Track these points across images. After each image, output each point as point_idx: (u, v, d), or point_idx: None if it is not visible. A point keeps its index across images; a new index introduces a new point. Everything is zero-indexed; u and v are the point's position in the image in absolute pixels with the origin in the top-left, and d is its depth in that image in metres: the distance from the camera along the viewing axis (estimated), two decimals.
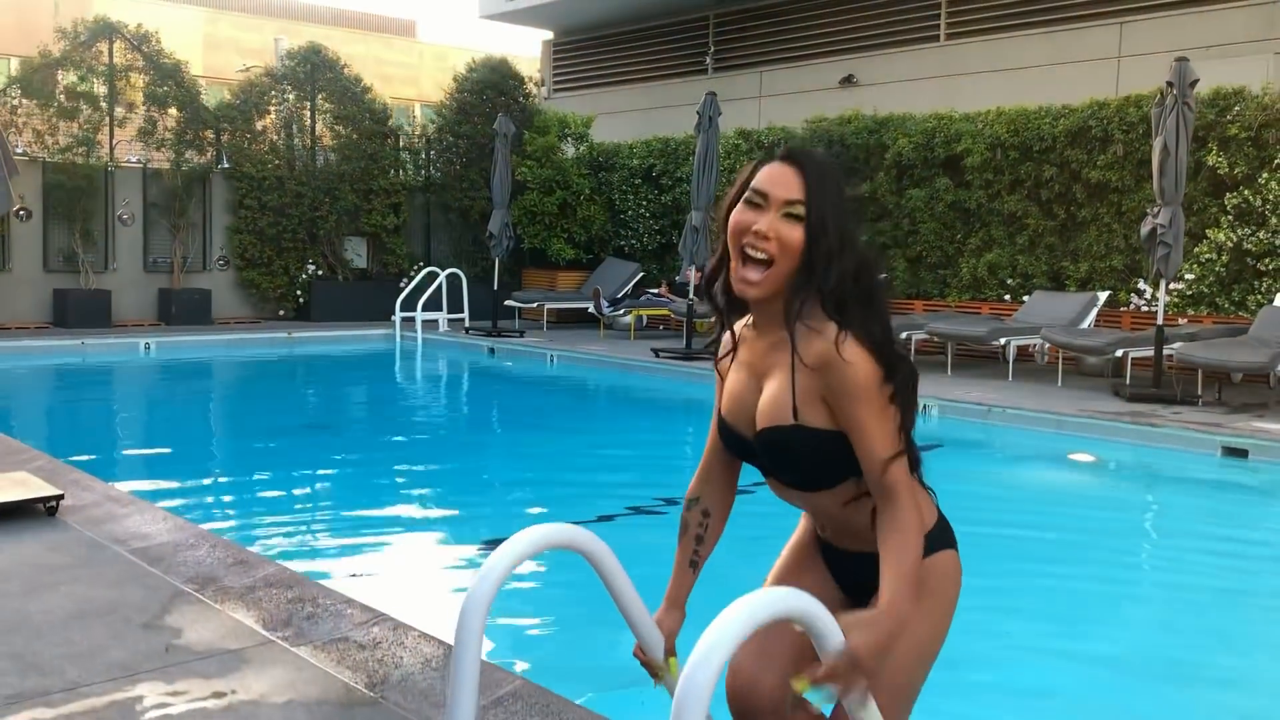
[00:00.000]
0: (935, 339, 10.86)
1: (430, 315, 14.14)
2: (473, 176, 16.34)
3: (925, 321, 11.20)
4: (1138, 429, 7.87)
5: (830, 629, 1.69)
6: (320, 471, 7.41)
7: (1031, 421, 8.42)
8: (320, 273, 15.19)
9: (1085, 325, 10.53)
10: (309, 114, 15.44)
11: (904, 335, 11.02)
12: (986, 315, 11.90)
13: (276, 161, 14.91)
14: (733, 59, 17.20)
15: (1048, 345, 10.21)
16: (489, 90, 16.60)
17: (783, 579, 2.19)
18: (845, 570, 2.15)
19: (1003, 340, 10.25)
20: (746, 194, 1.96)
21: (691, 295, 12.46)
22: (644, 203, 15.96)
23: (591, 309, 14.41)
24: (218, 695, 2.84)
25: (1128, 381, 9.47)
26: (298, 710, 2.76)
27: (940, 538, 2.07)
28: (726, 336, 2.11)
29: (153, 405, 10.61)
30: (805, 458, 1.97)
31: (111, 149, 13.95)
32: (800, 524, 2.28)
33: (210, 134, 14.56)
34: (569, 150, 16.71)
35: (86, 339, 12.15)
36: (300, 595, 3.62)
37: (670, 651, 2.13)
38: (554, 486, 7.05)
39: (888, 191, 13.07)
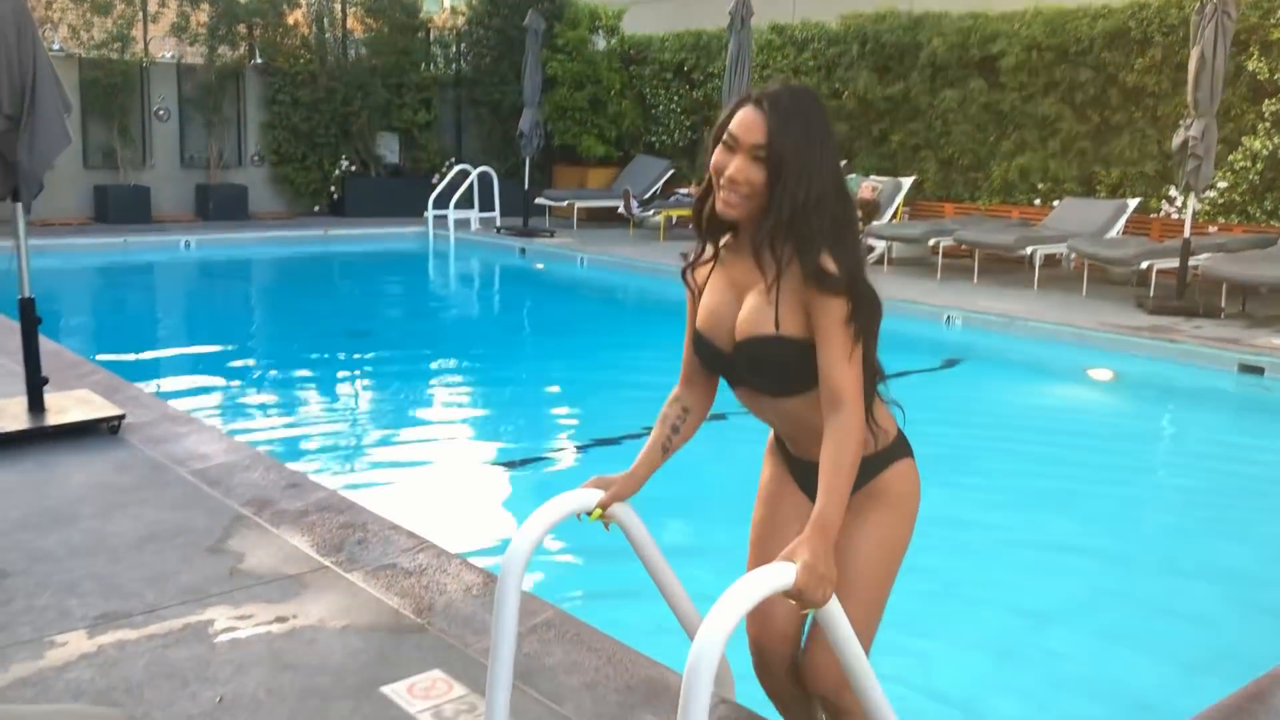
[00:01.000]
0: (962, 246, 10.93)
1: (462, 213, 14.29)
2: (503, 70, 16.26)
3: (953, 228, 11.26)
4: (1156, 344, 8.01)
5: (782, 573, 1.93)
6: (360, 383, 7.73)
7: (1052, 334, 8.56)
8: (353, 169, 15.32)
9: (1114, 233, 10.56)
10: (340, 7, 15.35)
11: (931, 241, 11.10)
12: (1016, 220, 11.92)
13: (308, 56, 14.91)
14: None
15: (1074, 254, 10.26)
16: None
17: (765, 511, 2.39)
18: (808, 480, 2.26)
19: (1029, 249, 10.31)
20: (724, 136, 2.12)
21: None
22: (675, 98, 15.87)
23: (621, 209, 14.50)
24: (280, 620, 3.16)
25: (1152, 294, 9.55)
26: (353, 636, 3.07)
27: (899, 449, 2.28)
28: (707, 253, 2.26)
29: (196, 309, 10.94)
30: (783, 366, 2.13)
31: (146, 45, 14.00)
32: (766, 458, 2.45)
33: (243, 28, 14.55)
34: (599, 43, 16.57)
35: (129, 236, 12.43)
36: (350, 521, 3.92)
37: (603, 505, 2.29)
38: (589, 397, 7.31)
39: (921, 92, 12.96)
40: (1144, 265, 9.45)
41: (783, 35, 14.46)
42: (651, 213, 14.37)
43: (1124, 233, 10.73)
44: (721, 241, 2.24)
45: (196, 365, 8.04)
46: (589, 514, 2.29)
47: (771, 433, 2.43)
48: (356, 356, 8.39)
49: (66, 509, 3.98)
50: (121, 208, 13.39)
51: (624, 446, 5.91)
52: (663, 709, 2.70)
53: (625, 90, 16.32)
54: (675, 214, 14.34)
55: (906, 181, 12.78)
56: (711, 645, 1.83)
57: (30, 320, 4.82)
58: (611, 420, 6.53)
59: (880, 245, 11.87)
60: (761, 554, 2.31)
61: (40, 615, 3.15)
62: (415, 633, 3.10)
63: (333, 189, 15.24)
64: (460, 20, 16.65)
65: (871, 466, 2.22)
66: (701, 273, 2.29)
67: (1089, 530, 4.94)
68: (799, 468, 2.35)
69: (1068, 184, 11.88)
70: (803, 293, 2.07)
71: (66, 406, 4.96)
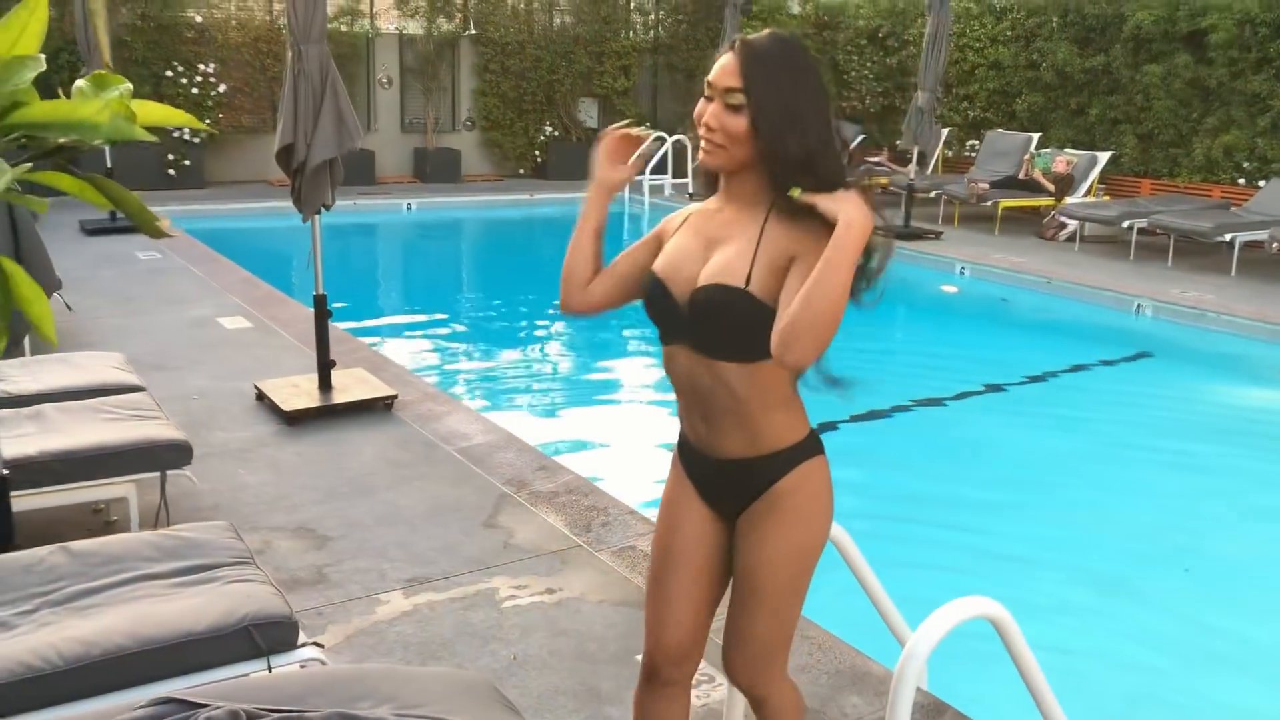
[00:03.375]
0: (1157, 230, 10.89)
1: (656, 179, 14.94)
2: (698, 37, 16.74)
3: (1150, 208, 11.22)
4: None
5: None
6: (590, 362, 8.50)
7: (1245, 329, 8.59)
8: (556, 133, 16.17)
9: None
10: None
11: (1125, 224, 11.10)
12: (1217, 200, 11.75)
13: (518, 26, 15.74)
14: None
15: (1275, 244, 10.12)
16: None
17: (663, 532, 2.41)
18: (711, 483, 2.30)
19: (1228, 236, 10.22)
20: (705, 87, 2.12)
21: (915, 167, 12.76)
22: (868, 64, 16.03)
23: None
24: (550, 591, 3.92)
25: None
26: (608, 609, 3.80)
27: (812, 445, 2.25)
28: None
29: (421, 273, 12.03)
30: (735, 324, 2.08)
31: (372, 17, 15.09)
32: (670, 469, 2.43)
33: (459, 0, 15.48)
34: (794, 9, 16.82)
35: (357, 199, 13.61)
36: (594, 504, 4.65)
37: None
38: None
39: (1123, 65, 12.80)
40: None
41: (981, 4, 14.43)
42: None
43: None
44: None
45: (432, 334, 9.01)
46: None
47: (679, 432, 2.39)
48: (575, 332, 9.18)
49: (364, 481, 4.86)
50: (349, 170, 14.53)
51: (838, 433, 6.45)
52: (866, 692, 3.32)
53: (818, 55, 16.54)
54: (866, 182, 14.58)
55: (1103, 156, 12.70)
56: (918, 654, 2.44)
57: (323, 312, 5.74)
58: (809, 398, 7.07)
59: (1073, 224, 11.91)
60: (661, 574, 2.40)
61: (365, 576, 4.00)
62: None
63: (537, 153, 16.13)
64: None
65: (776, 465, 2.22)
66: (673, 222, 2.32)
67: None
68: (703, 469, 2.31)
69: (1276, 164, 11.60)
70: (783, 253, 2.06)
71: (348, 385, 5.88)
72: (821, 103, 2.07)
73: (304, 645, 2.79)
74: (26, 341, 6.03)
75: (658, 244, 2.32)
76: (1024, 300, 10.03)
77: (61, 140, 0.82)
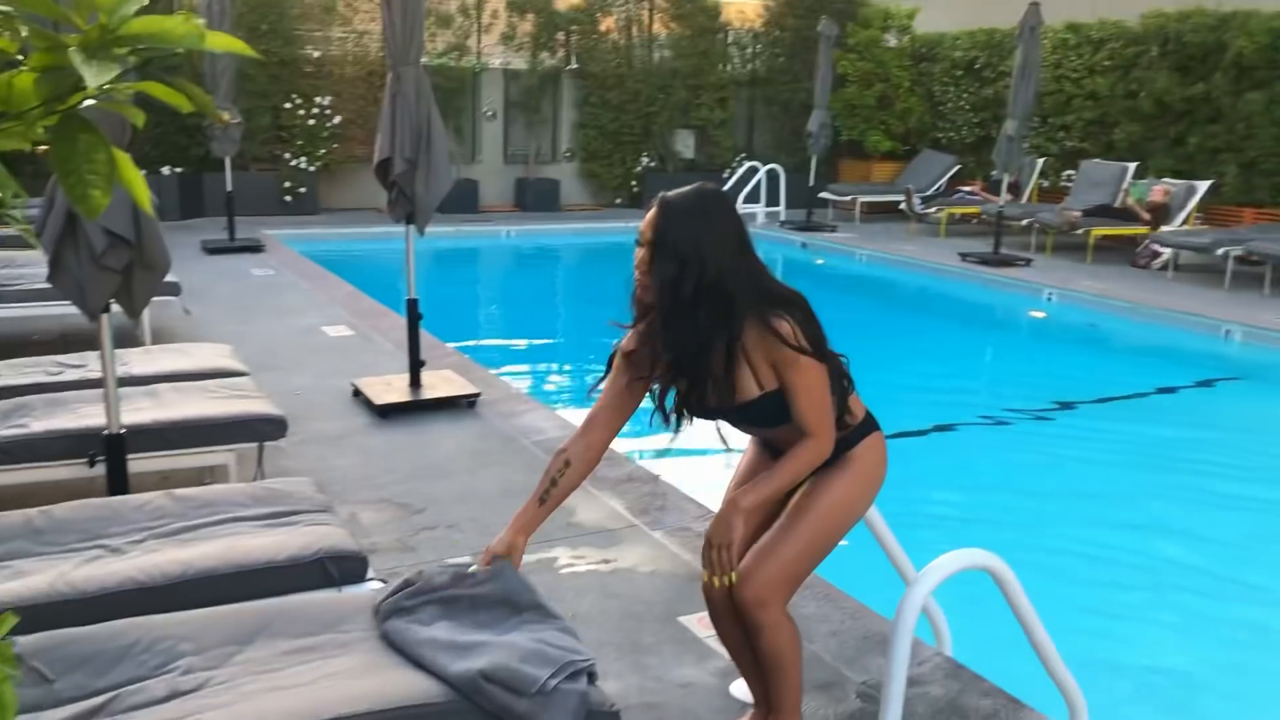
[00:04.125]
0: (1254, 258, 10.76)
1: (750, 208, 15.23)
2: (795, 69, 17.04)
3: (1246, 236, 11.07)
4: None
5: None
6: None
7: None
8: (652, 164, 16.61)
9: None
10: (647, 13, 16.63)
11: (1220, 251, 10.97)
12: None
13: (618, 61, 16.28)
14: None
15: None
16: None
17: (743, 479, 2.84)
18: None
19: None
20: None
21: (1005, 195, 12.83)
22: (964, 95, 16.11)
23: (903, 205, 14.98)
24: (605, 561, 4.21)
25: None
26: (658, 579, 4.08)
27: (869, 424, 2.73)
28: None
29: (515, 293, 12.51)
30: (772, 412, 2.56)
31: (479, 53, 15.79)
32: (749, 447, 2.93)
33: (561, 35, 16.09)
34: (890, 41, 17.01)
35: (460, 225, 14.22)
36: (654, 490, 4.94)
37: (515, 564, 2.70)
38: (865, 394, 8.02)
39: (1224, 93, 12.66)
40: None
41: (1078, 34, 14.42)
42: (934, 210, 14.77)
43: None
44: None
45: (521, 345, 9.44)
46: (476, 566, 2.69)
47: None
48: None
49: (444, 465, 5.24)
50: (454, 199, 15.22)
51: (906, 443, 6.65)
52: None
53: (914, 87, 16.71)
54: (959, 211, 14.67)
55: (1202, 185, 12.56)
56: (913, 603, 2.67)
57: (414, 316, 6.17)
58: (890, 418, 7.25)
59: (1166, 252, 11.81)
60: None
61: (437, 544, 4.35)
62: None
63: (633, 183, 16.59)
64: (757, 22, 17.52)
65: (844, 443, 2.66)
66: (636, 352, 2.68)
67: None
68: (778, 452, 2.71)
69: None
70: (767, 351, 2.50)
71: (435, 384, 6.30)
72: (730, 236, 2.49)
73: (371, 579, 3.14)
74: (148, 332, 6.60)
75: (626, 362, 2.72)
76: (1110, 326, 10.02)
77: (152, 52, 1.15)
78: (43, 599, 2.74)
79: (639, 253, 2.53)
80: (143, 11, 1.23)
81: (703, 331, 2.47)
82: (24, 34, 1.19)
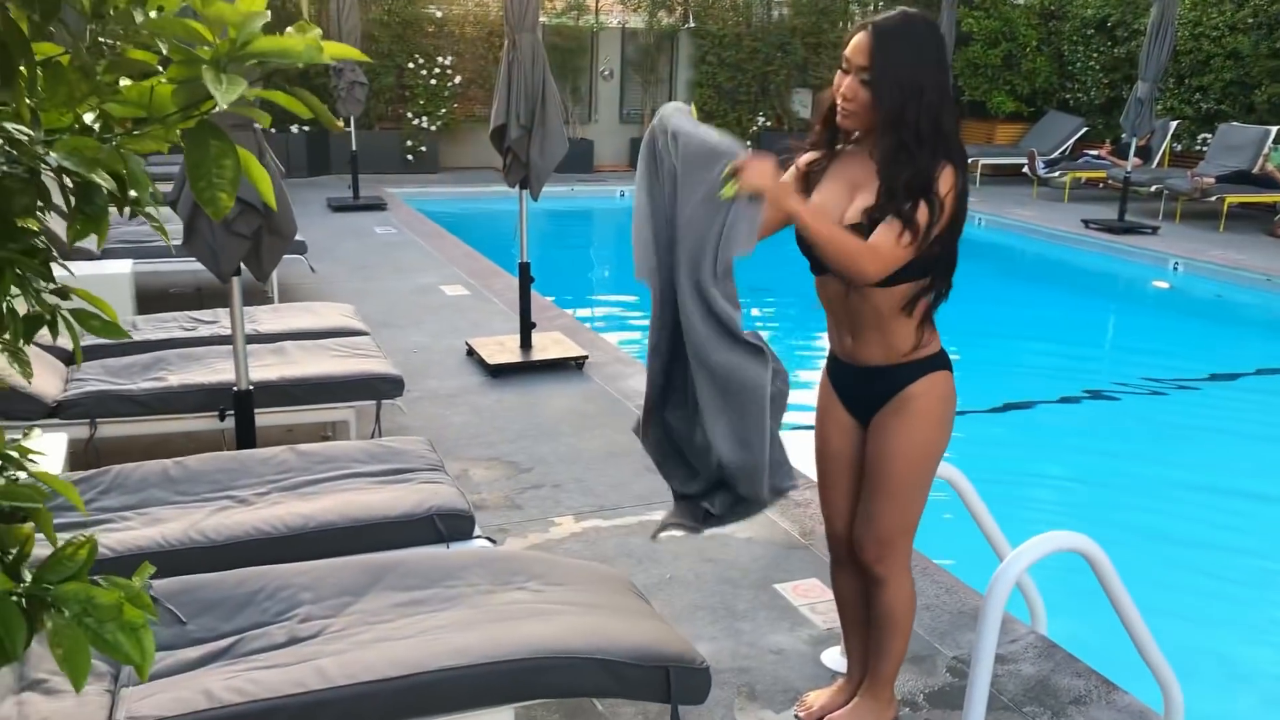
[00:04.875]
0: None
1: None
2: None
3: None
4: None
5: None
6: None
7: None
8: (769, 124, 16.48)
9: None
10: None
11: None
12: None
13: (736, 19, 16.14)
14: None
15: None
16: None
17: (817, 442, 2.91)
18: (851, 391, 2.75)
19: None
20: (842, 62, 2.50)
21: (1133, 159, 12.37)
22: (1094, 54, 15.52)
23: (1026, 169, 14.57)
24: None
25: None
26: (755, 546, 4.16)
27: (938, 361, 2.67)
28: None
29: (624, 256, 12.57)
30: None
31: (597, 12, 15.84)
32: (820, 382, 2.88)
33: None
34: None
35: (575, 185, 14.36)
36: None
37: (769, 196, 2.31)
38: (986, 364, 7.78)
39: None
40: None
41: None
42: (1058, 173, 14.33)
43: None
44: (838, 146, 2.63)
45: (629, 307, 9.55)
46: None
47: (828, 351, 2.84)
48: (758, 308, 9.53)
49: (551, 426, 5.40)
50: (569, 159, 15.36)
51: (1035, 411, 6.56)
52: None
53: (1041, 46, 16.17)
54: (1084, 176, 14.21)
55: None
56: (1004, 581, 2.70)
57: (526, 279, 6.32)
58: (1013, 386, 7.16)
59: None
60: (822, 476, 2.90)
61: (543, 502, 4.51)
62: (799, 549, 4.14)
63: (749, 143, 16.48)
64: None
65: (909, 371, 2.64)
66: (802, 165, 2.66)
67: None
68: (846, 376, 2.76)
69: None
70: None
71: (546, 345, 6.46)
72: (940, 76, 2.44)
73: (478, 537, 3.30)
74: (276, 289, 6.91)
75: (799, 179, 2.68)
76: (1240, 298, 9.64)
77: (276, 64, 1.27)
78: (177, 545, 2.97)
79: (844, 79, 2.49)
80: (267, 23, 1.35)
81: (918, 161, 2.43)
82: (164, 50, 1.31)
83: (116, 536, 3.00)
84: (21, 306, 1.45)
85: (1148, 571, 4.37)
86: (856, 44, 2.47)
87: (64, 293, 1.51)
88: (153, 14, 1.31)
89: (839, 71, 2.52)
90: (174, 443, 4.51)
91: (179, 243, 3.67)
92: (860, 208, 2.51)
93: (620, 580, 3.02)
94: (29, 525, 1.37)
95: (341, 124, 10.69)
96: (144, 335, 5.01)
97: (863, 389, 2.75)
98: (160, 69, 1.36)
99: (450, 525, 3.23)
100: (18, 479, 1.46)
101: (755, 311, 9.46)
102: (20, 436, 1.50)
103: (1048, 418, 6.77)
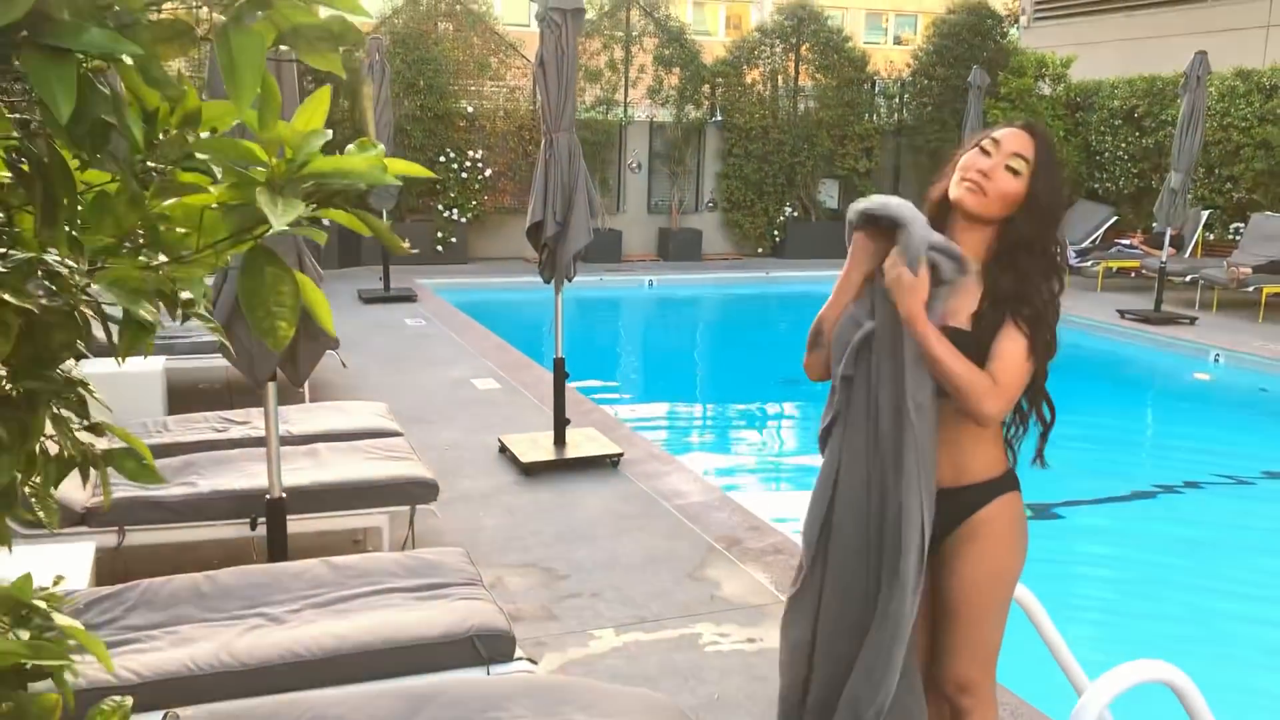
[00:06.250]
0: None
1: None
2: (944, 118, 16.74)
3: None
4: None
5: None
6: (807, 431, 8.70)
7: None
8: (795, 214, 16.52)
9: None
10: (793, 65, 16.61)
11: None
12: None
13: (762, 112, 16.28)
14: None
15: None
16: (966, 31, 16.80)
17: None
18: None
19: None
20: (982, 142, 2.42)
21: (1168, 249, 12.25)
22: (1122, 144, 15.53)
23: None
24: (750, 640, 4.12)
25: None
26: None
27: (1010, 480, 2.54)
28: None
29: (658, 345, 12.56)
30: (969, 356, 2.35)
31: (625, 106, 16.03)
32: None
33: (707, 88, 16.20)
34: (1044, 90, 16.55)
35: (604, 275, 14.37)
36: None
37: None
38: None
39: None
40: None
41: (1248, 82, 13.76)
42: (1090, 263, 14.23)
43: None
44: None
45: (662, 399, 9.44)
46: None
47: None
48: (790, 400, 9.39)
49: (587, 529, 5.24)
50: (598, 248, 15.43)
51: (1059, 515, 6.36)
52: None
53: (1069, 136, 16.20)
54: (1115, 265, 14.10)
55: None
56: (1088, 714, 2.50)
57: (561, 375, 6.22)
58: (1042, 487, 6.95)
59: None
60: None
61: (581, 613, 4.33)
62: None
63: (776, 233, 16.52)
64: (905, 71, 17.31)
65: (980, 494, 2.49)
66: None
67: None
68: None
69: None
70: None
71: (580, 442, 6.32)
72: (1064, 209, 2.48)
73: (520, 659, 3.13)
74: (307, 384, 6.83)
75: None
76: None
77: (337, 186, 1.17)
78: (207, 670, 2.82)
79: (984, 160, 2.39)
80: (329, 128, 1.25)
81: (1026, 285, 2.36)
82: (217, 173, 1.22)
83: (144, 659, 2.85)
84: (53, 445, 1.34)
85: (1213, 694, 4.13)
86: (1012, 135, 2.41)
87: (98, 429, 1.40)
88: (204, 134, 1.22)
89: (975, 152, 2.42)
90: (203, 550, 4.38)
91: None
92: (962, 309, 2.40)
93: (671, 710, 2.84)
94: (55, 696, 1.24)
95: (407, 245, 10.84)
96: (175, 437, 4.92)
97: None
98: (210, 189, 1.26)
99: (491, 647, 3.07)
100: (44, 632, 1.33)
101: (788, 406, 9.33)
102: (50, 585, 1.38)
103: (1095, 516, 6.56)
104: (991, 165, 2.38)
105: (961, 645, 2.58)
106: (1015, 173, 2.37)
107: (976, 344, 2.39)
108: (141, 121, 1.12)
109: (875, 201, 2.48)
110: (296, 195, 1.23)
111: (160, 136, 1.18)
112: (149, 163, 1.20)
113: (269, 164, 1.22)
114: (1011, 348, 2.38)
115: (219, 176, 1.23)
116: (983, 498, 2.51)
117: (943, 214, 2.51)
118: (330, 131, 1.24)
